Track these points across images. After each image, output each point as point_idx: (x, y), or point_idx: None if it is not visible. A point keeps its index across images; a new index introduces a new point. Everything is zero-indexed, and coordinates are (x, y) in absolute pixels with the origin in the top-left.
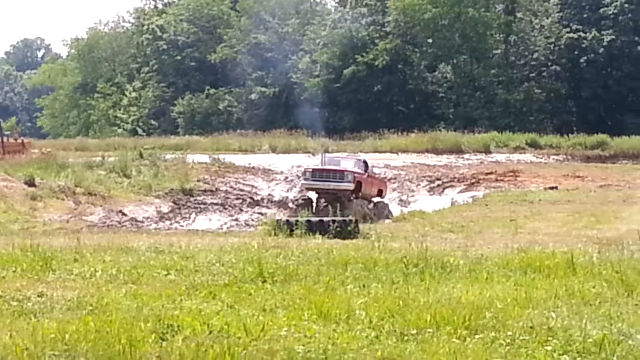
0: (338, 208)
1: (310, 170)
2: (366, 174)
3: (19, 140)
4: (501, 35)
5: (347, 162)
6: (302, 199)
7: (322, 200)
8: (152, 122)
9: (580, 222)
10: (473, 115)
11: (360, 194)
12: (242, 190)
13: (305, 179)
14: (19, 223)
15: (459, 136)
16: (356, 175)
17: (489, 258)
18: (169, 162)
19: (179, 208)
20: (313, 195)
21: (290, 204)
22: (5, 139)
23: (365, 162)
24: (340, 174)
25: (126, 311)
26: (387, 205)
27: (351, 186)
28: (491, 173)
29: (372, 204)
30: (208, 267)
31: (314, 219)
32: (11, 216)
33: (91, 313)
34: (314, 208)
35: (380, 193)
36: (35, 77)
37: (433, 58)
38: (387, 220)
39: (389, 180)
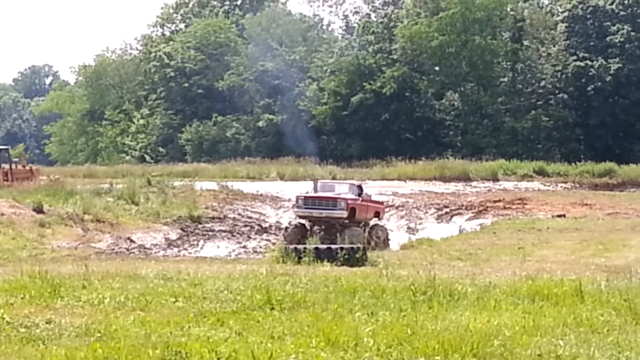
0: (332, 235)
1: (302, 197)
2: (360, 199)
3: (27, 167)
4: (508, 63)
5: (341, 188)
6: (294, 226)
7: (316, 228)
8: (160, 149)
9: (588, 250)
10: (480, 143)
11: (354, 219)
12: (250, 217)
13: (297, 207)
14: (27, 250)
15: (466, 164)
16: (349, 201)
17: (497, 286)
18: (177, 190)
19: (187, 235)
20: (307, 223)
21: (283, 232)
22: (13, 166)
23: (359, 187)
24: (332, 202)
25: (134, 338)
26: (384, 228)
27: (344, 214)
28: (499, 201)
29: (368, 228)
30: (216, 295)
31: (322, 246)
32: (19, 243)
33: (99, 340)
34: (307, 235)
35: (377, 215)
36: (43, 104)
37: (440, 86)
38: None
39: (397, 207)
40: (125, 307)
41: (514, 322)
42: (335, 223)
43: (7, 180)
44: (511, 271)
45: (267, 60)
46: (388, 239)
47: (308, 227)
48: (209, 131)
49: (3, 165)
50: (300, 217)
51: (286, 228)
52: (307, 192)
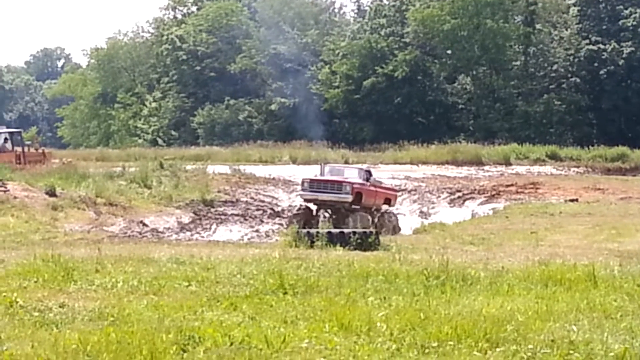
0: (339, 220)
1: (308, 180)
2: (368, 184)
3: (40, 150)
4: (520, 47)
5: (350, 172)
6: (299, 210)
7: (322, 211)
8: (173, 132)
9: (601, 234)
10: (493, 127)
11: (361, 204)
12: (262, 201)
13: (303, 190)
14: (40, 233)
15: (479, 148)
16: (355, 186)
17: (510, 271)
18: (189, 173)
19: (200, 219)
20: (312, 206)
21: (288, 215)
22: (26, 149)
23: (368, 172)
24: (338, 185)
25: (147, 322)
26: (394, 215)
27: (349, 198)
28: (511, 185)
29: (378, 214)
30: (229, 279)
31: (335, 230)
32: (32, 226)
33: (112, 324)
34: (313, 219)
35: (388, 202)
36: (56, 87)
37: (452, 69)
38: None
39: (409, 191)
40: (138, 291)
41: (527, 307)
42: (340, 207)
43: (19, 163)
44: (524, 256)
45: (279, 43)
46: (398, 226)
47: (314, 211)
48: (221, 114)
49: (16, 148)
50: (306, 200)
51: (293, 211)
52: (315, 175)
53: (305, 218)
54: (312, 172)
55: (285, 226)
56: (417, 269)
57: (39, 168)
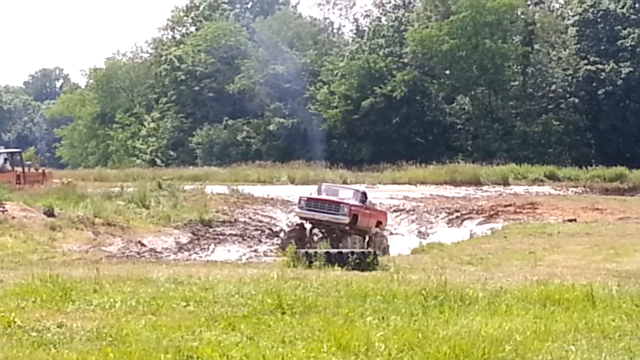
0: (331, 241)
1: (305, 199)
2: (364, 206)
3: (40, 170)
4: (519, 67)
5: (345, 193)
6: (294, 227)
7: (316, 231)
8: (171, 152)
9: (600, 254)
10: (491, 147)
11: (356, 226)
12: (260, 221)
13: (299, 208)
14: (38, 253)
15: (477, 168)
16: (352, 208)
17: (508, 291)
18: (187, 193)
19: (198, 239)
20: (307, 225)
21: (282, 233)
22: (26, 169)
23: (364, 194)
24: (336, 206)
25: (146, 342)
26: (384, 237)
27: (346, 220)
28: (510, 205)
29: (368, 236)
30: (227, 299)
31: (333, 250)
32: (30, 246)
33: (111, 344)
34: (306, 238)
35: (379, 225)
36: (54, 107)
37: (451, 89)
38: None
39: (407, 211)
40: (136, 311)
41: (525, 327)
42: (335, 228)
43: (19, 183)
44: (522, 276)
45: (278, 64)
46: (388, 247)
47: (307, 230)
48: (220, 135)
49: (16, 168)
50: (302, 218)
51: (286, 229)
52: (311, 194)
53: (299, 236)
54: (310, 191)
55: (279, 244)
56: (416, 289)
57: (39, 188)
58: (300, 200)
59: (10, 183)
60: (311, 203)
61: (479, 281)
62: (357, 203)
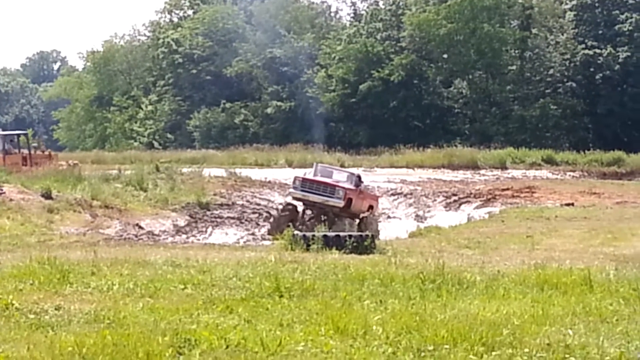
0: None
1: (301, 179)
2: (358, 190)
3: (46, 152)
4: (517, 51)
5: (341, 175)
6: (286, 207)
7: (309, 212)
8: (168, 135)
9: (597, 239)
10: (489, 131)
11: (349, 210)
12: (258, 204)
13: (294, 187)
14: (36, 236)
15: (474, 152)
16: (348, 191)
17: (506, 274)
18: (185, 176)
19: (196, 222)
20: (299, 206)
21: (274, 212)
22: (32, 151)
23: (359, 177)
24: (331, 189)
25: (143, 325)
26: (375, 220)
27: (341, 203)
28: (507, 189)
29: (357, 220)
30: (225, 282)
31: (331, 233)
32: (28, 229)
33: (108, 326)
34: (299, 219)
35: (371, 209)
36: (52, 90)
37: (449, 73)
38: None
39: (405, 195)
40: (134, 293)
41: (522, 311)
42: (329, 211)
43: (25, 165)
44: (520, 260)
45: (276, 47)
46: (378, 231)
47: (300, 211)
48: (217, 118)
49: (22, 150)
50: (295, 198)
51: (277, 210)
52: (305, 174)
53: (291, 217)
54: (305, 172)
55: (271, 224)
56: (413, 272)
57: (45, 170)
58: (295, 180)
59: (17, 165)
60: (306, 184)
61: (477, 265)
62: (351, 187)
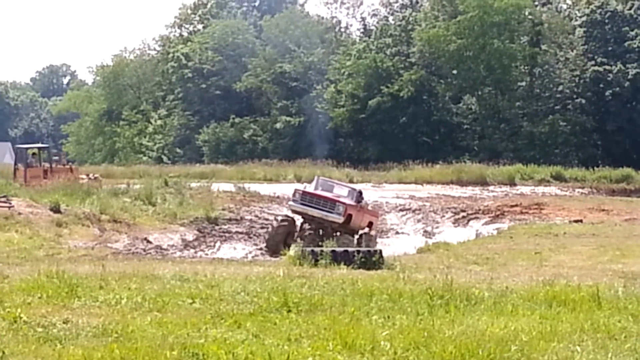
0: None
1: (301, 192)
2: (358, 206)
3: (67, 166)
4: (526, 68)
5: (341, 190)
6: (284, 220)
7: (307, 226)
8: (177, 150)
9: (606, 255)
10: (498, 147)
11: (349, 226)
12: (267, 219)
13: (293, 200)
14: (44, 249)
15: (483, 168)
16: (348, 207)
17: (514, 291)
18: (194, 191)
19: (204, 236)
20: (298, 219)
21: (270, 226)
22: (54, 165)
23: (360, 193)
24: (331, 204)
25: (151, 339)
26: (373, 237)
27: (341, 219)
28: (516, 205)
29: (356, 236)
30: (233, 296)
31: (339, 249)
32: (36, 242)
33: (116, 340)
34: (296, 233)
35: (370, 225)
36: (61, 104)
37: (458, 89)
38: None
39: (414, 211)
40: (142, 307)
41: (531, 327)
42: (328, 226)
43: (46, 178)
44: (528, 276)
45: (285, 62)
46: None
47: (298, 224)
48: (226, 132)
49: (44, 163)
50: (294, 211)
51: (276, 221)
52: (306, 187)
53: (288, 230)
54: (305, 184)
55: (267, 237)
56: (421, 288)
57: (66, 183)
58: (295, 193)
59: (38, 178)
60: (306, 197)
61: (485, 281)
62: (352, 202)
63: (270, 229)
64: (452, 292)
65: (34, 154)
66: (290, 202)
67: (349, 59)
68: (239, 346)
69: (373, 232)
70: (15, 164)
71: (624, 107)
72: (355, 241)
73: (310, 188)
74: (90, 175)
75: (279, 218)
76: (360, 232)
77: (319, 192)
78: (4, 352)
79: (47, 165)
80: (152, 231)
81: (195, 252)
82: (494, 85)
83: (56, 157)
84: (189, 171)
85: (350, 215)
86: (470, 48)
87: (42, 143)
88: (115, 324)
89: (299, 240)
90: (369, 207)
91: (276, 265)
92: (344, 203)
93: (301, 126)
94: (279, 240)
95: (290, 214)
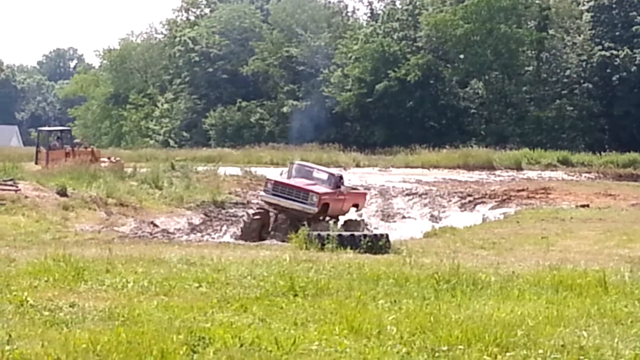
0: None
1: (272, 182)
2: (337, 192)
3: (89, 149)
4: (533, 52)
5: (320, 175)
6: (257, 212)
7: (282, 216)
8: (184, 133)
9: (612, 240)
10: (505, 132)
11: (327, 214)
12: None
13: (265, 191)
14: (51, 233)
15: (490, 152)
16: (323, 197)
17: (521, 275)
18: (200, 174)
19: (211, 220)
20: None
21: (245, 218)
22: (75, 147)
23: (340, 177)
24: (304, 194)
25: (158, 323)
26: (359, 222)
27: (314, 209)
28: (523, 190)
29: (340, 223)
30: (239, 280)
31: (345, 233)
32: (43, 226)
33: (123, 324)
34: (271, 224)
35: (356, 206)
36: (68, 87)
37: (465, 74)
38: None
39: (420, 195)
40: (148, 291)
41: (537, 312)
42: (303, 217)
43: (67, 160)
44: (534, 261)
45: (292, 46)
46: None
47: (274, 215)
48: (233, 116)
49: (65, 146)
50: (266, 203)
51: (248, 214)
52: (281, 174)
53: (263, 222)
54: (280, 171)
55: (241, 229)
56: (428, 272)
57: (90, 166)
58: (267, 182)
59: (60, 160)
60: (278, 188)
61: (492, 265)
62: (329, 190)
63: (244, 222)
64: (459, 276)
65: (57, 137)
66: (262, 193)
67: (356, 43)
68: (245, 330)
69: (361, 214)
70: (38, 146)
71: (631, 92)
72: (340, 225)
73: (284, 176)
74: (112, 159)
75: (251, 211)
76: (345, 218)
77: (292, 181)
78: (10, 336)
79: (68, 147)
80: (158, 215)
81: (202, 236)
82: (501, 70)
83: (77, 140)
84: (196, 155)
85: (326, 204)
86: (477, 32)
87: (50, 126)
88: (122, 307)
89: (273, 232)
90: (356, 189)
91: (283, 250)
92: (317, 192)
93: (308, 110)
94: (253, 234)
95: (263, 205)
